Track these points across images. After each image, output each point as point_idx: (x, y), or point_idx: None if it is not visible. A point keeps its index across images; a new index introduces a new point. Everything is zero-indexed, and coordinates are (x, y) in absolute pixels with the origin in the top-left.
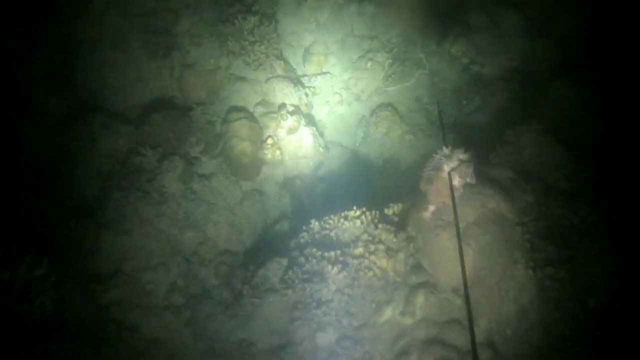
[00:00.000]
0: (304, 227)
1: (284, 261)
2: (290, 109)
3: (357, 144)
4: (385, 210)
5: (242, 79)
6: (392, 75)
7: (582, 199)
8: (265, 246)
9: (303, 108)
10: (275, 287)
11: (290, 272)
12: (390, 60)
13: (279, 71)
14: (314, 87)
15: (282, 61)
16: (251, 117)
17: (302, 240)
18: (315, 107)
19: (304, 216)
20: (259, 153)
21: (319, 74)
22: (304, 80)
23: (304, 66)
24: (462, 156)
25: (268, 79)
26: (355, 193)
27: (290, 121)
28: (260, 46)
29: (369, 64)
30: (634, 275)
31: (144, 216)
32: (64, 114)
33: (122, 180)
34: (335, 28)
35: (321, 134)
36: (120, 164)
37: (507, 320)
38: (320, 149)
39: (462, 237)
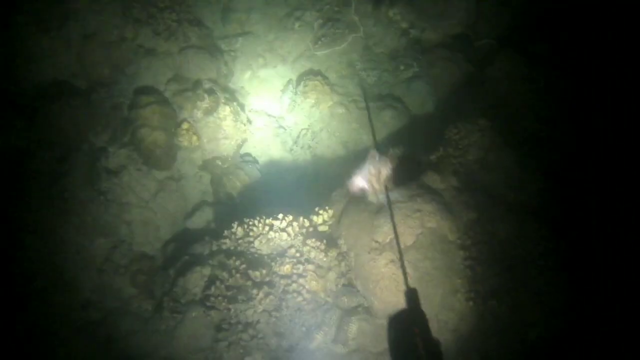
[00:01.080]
0: (225, 232)
1: (206, 270)
2: (207, 85)
3: (283, 111)
4: (315, 218)
5: (152, 51)
6: (322, 38)
7: (531, 218)
8: (186, 244)
9: (222, 80)
10: (197, 299)
11: (213, 288)
12: (320, 21)
13: (194, 40)
14: (234, 51)
15: (197, 27)
16: (163, 101)
17: (224, 247)
18: (237, 73)
19: (225, 205)
20: (173, 140)
21: (240, 35)
22: (223, 43)
23: (223, 26)
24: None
25: (181, 50)
26: (282, 174)
27: (207, 101)
28: (170, 13)
29: (297, 24)
30: (582, 311)
31: (46, 228)
32: None
33: (17, 187)
34: None
35: (243, 105)
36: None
37: (445, 348)
38: (243, 125)
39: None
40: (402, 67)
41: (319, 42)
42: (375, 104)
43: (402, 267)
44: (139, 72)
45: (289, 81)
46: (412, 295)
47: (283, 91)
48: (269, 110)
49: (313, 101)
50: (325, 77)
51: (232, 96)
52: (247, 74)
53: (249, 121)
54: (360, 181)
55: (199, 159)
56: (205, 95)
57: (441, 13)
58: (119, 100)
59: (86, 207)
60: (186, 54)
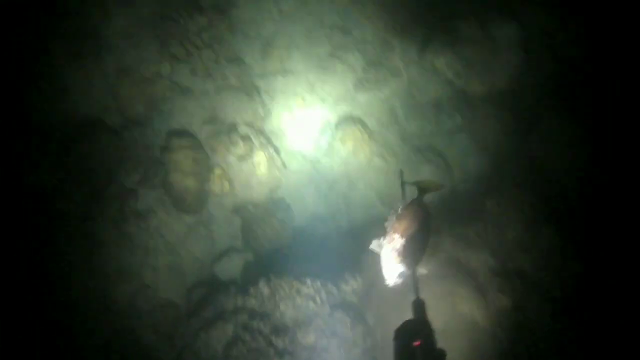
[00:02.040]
0: (251, 289)
1: (229, 328)
2: (243, 131)
3: (319, 155)
4: (343, 286)
5: (187, 90)
6: (364, 82)
7: (565, 310)
8: (212, 292)
9: (258, 123)
10: (217, 356)
11: (234, 350)
12: (362, 63)
13: (232, 79)
14: (273, 90)
15: (236, 65)
16: (196, 145)
17: (249, 304)
18: (274, 113)
19: (254, 253)
20: (204, 186)
21: (279, 73)
22: (262, 81)
23: (263, 62)
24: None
25: (218, 90)
26: (314, 223)
27: (241, 147)
28: (209, 52)
29: (338, 65)
30: None
31: (71, 271)
32: None
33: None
34: (302, 17)
35: (278, 148)
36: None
37: None
38: (277, 171)
39: None
40: (445, 118)
41: (361, 86)
42: (414, 157)
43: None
44: (174, 111)
45: (327, 124)
46: (419, 306)
47: (321, 133)
48: (305, 153)
49: (351, 149)
50: (364, 124)
51: (267, 139)
52: (285, 115)
53: (284, 165)
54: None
55: (230, 203)
56: (240, 142)
57: (488, 64)
58: (152, 140)
59: (112, 251)
60: (223, 95)
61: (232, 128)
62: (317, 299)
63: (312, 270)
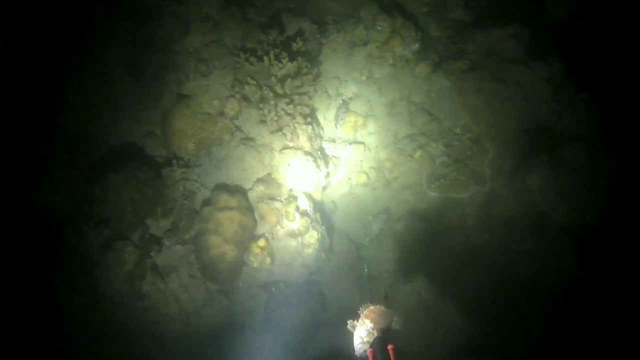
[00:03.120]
0: None
1: None
2: (303, 206)
3: (367, 240)
4: None
5: (250, 141)
6: (442, 179)
7: None
8: None
9: (316, 195)
10: None
11: None
12: (445, 158)
13: (303, 141)
14: (338, 158)
15: (311, 125)
16: (245, 208)
17: None
18: (332, 184)
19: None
20: (242, 257)
21: (349, 142)
22: (329, 146)
23: (335, 127)
24: None
25: (284, 149)
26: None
27: (297, 223)
28: (287, 103)
29: (418, 152)
30: None
31: (65, 328)
32: None
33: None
34: (389, 87)
35: (331, 228)
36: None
37: None
38: (324, 255)
39: None
40: (512, 234)
41: (436, 182)
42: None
43: None
44: (228, 161)
45: (385, 210)
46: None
47: (374, 217)
48: (353, 236)
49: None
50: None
51: (324, 217)
52: (344, 189)
53: (332, 249)
54: None
55: (263, 278)
56: (297, 216)
57: (581, 197)
58: (195, 187)
59: (117, 311)
60: (288, 155)
61: (291, 200)
62: None
63: None
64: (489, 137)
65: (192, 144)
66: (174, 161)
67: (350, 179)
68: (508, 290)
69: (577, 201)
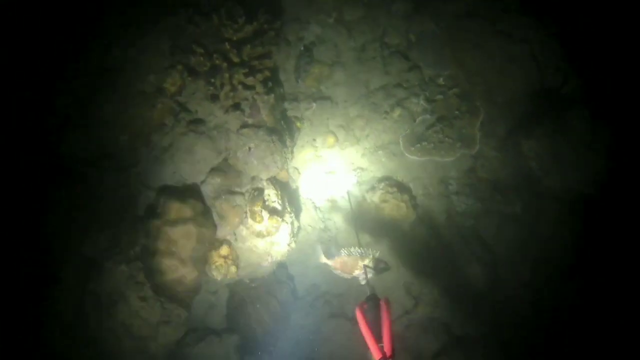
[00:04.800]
0: None
1: None
2: (271, 201)
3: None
4: None
5: (199, 123)
6: (423, 142)
7: None
8: None
9: (283, 175)
10: None
11: None
12: (428, 117)
13: (264, 114)
14: (301, 120)
15: (272, 90)
16: (202, 214)
17: None
18: (296, 148)
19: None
20: (203, 273)
21: (313, 98)
22: (291, 107)
23: (297, 80)
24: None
25: (242, 128)
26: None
27: (265, 224)
28: (246, 75)
29: (397, 112)
30: None
31: None
32: None
33: None
34: (360, 29)
35: (295, 200)
36: None
37: None
38: (293, 243)
39: None
40: (499, 199)
41: (417, 145)
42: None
43: None
44: (174, 150)
45: (357, 170)
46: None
47: (343, 186)
48: (318, 202)
49: (387, 217)
50: (410, 196)
51: (289, 194)
52: (308, 153)
53: (299, 227)
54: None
55: (226, 283)
56: (265, 215)
57: (577, 163)
58: (134, 189)
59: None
60: (247, 137)
61: (255, 191)
62: None
63: None
64: (484, 99)
65: (125, 136)
66: (103, 160)
67: (315, 140)
68: (494, 262)
69: (574, 168)
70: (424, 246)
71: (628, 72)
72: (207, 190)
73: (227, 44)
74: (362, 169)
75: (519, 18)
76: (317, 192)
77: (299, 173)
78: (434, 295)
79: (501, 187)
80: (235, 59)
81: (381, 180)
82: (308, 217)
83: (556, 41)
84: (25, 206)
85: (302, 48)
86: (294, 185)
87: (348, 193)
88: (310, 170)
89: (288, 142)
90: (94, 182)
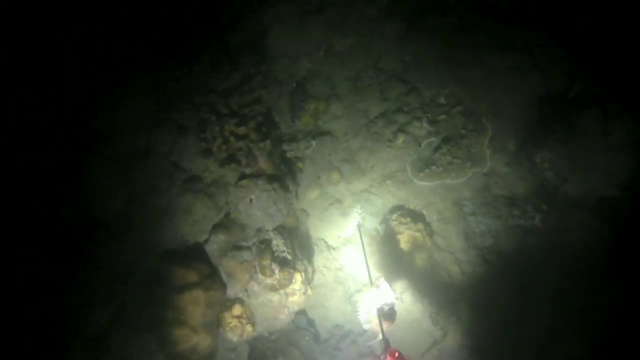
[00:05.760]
0: None
1: None
2: (280, 252)
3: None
4: None
5: (195, 181)
6: (432, 166)
7: None
8: None
9: (290, 221)
10: None
11: None
12: (434, 140)
13: (262, 162)
14: (301, 160)
15: (269, 138)
16: (208, 276)
17: None
18: (300, 189)
19: None
20: (217, 338)
21: (312, 135)
22: (290, 147)
23: (293, 120)
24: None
25: (241, 180)
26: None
27: (276, 277)
28: (238, 125)
29: (401, 139)
30: None
31: None
32: None
33: None
34: (352, 57)
35: (307, 244)
36: None
37: None
38: (309, 290)
39: None
40: (516, 214)
41: (426, 170)
42: (473, 269)
43: None
44: (172, 212)
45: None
46: None
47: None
48: (331, 243)
49: (405, 249)
50: (418, 217)
51: (299, 240)
52: (314, 193)
53: (313, 271)
54: None
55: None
56: (275, 268)
57: (595, 166)
58: (133, 257)
59: None
60: (248, 188)
61: (265, 249)
62: None
63: None
64: (489, 114)
65: (118, 202)
66: (100, 230)
67: (319, 178)
68: (521, 280)
69: (592, 172)
70: (445, 272)
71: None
72: (211, 249)
73: (212, 94)
74: (369, 201)
75: (515, 26)
76: (328, 231)
77: (307, 214)
78: (462, 322)
79: (518, 202)
80: (224, 110)
81: (392, 211)
82: (322, 257)
83: (557, 44)
84: (29, 292)
85: (294, 85)
86: (303, 228)
87: (359, 227)
88: (318, 210)
89: (291, 187)
90: (90, 254)
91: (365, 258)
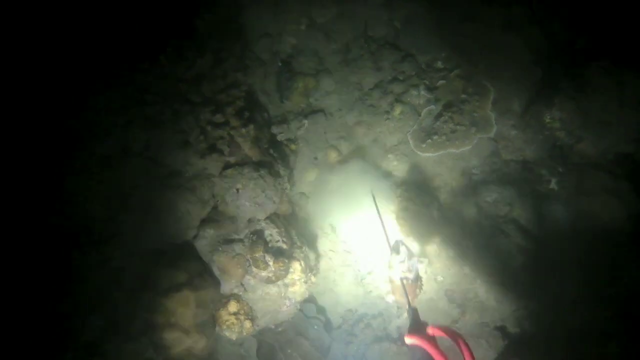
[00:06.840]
0: None
1: None
2: (274, 242)
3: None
4: None
5: (175, 176)
6: (434, 136)
7: None
8: None
9: (284, 208)
10: None
11: None
12: (433, 107)
13: (247, 148)
14: (294, 141)
15: (252, 123)
16: (198, 274)
17: None
18: (296, 172)
19: None
20: (214, 337)
21: (304, 115)
22: (279, 130)
23: (281, 100)
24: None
25: (225, 170)
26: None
27: (271, 268)
28: (214, 113)
29: (398, 109)
30: None
31: None
32: None
33: None
34: (338, 29)
35: (306, 230)
36: None
37: None
38: (312, 277)
39: None
40: (530, 178)
41: (428, 141)
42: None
43: None
44: (155, 211)
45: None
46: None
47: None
48: (335, 224)
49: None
50: (427, 193)
51: (297, 226)
52: (312, 175)
53: (317, 259)
54: None
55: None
56: (270, 260)
57: (611, 122)
58: (120, 262)
59: None
60: (233, 179)
61: (254, 235)
62: None
63: None
64: (490, 74)
65: (98, 206)
66: (82, 239)
67: (316, 158)
68: (539, 250)
69: (608, 128)
70: (458, 248)
71: None
72: (201, 245)
73: (181, 84)
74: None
75: None
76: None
77: (307, 197)
78: (479, 299)
79: (531, 166)
80: (197, 99)
81: (397, 186)
82: (327, 241)
83: None
84: (15, 304)
85: (279, 64)
86: (303, 213)
87: (372, 195)
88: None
89: (282, 172)
90: (76, 261)
91: (382, 222)
